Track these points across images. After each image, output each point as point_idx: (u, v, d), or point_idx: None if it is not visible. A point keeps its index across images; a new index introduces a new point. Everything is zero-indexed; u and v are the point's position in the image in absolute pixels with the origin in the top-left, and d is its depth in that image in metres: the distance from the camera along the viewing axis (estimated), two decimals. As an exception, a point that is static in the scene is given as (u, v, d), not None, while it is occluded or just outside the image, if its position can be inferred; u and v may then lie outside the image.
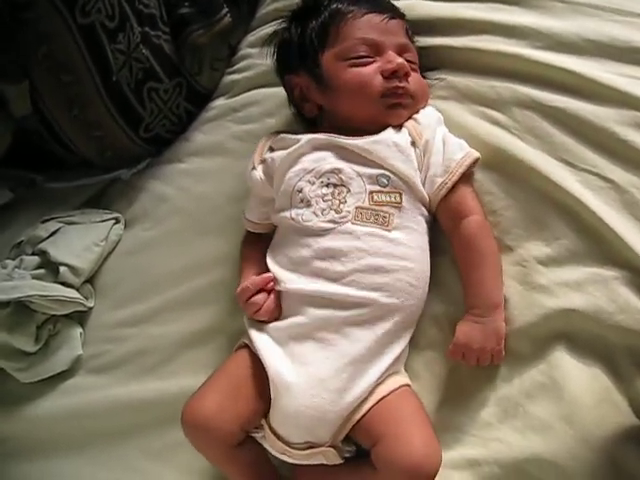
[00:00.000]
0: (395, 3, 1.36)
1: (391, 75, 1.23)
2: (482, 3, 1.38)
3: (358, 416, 1.12)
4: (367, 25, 1.27)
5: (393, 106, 1.25)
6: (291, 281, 1.20)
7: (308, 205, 1.21)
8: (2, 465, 1.49)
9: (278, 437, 1.15)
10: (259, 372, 1.16)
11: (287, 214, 1.23)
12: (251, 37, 1.71)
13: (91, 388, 1.46)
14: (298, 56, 1.32)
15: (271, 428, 1.15)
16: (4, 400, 1.51)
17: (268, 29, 1.61)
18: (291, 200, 1.23)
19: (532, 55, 1.28)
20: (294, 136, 1.29)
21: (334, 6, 1.29)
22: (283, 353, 1.16)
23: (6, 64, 1.51)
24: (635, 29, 1.26)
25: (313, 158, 1.24)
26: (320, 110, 1.33)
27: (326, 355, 1.13)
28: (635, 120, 1.18)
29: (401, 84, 1.24)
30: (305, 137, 1.26)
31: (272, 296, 1.23)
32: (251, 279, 1.25)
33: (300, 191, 1.22)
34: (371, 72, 1.24)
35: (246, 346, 1.23)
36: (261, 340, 1.19)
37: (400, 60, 1.24)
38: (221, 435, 1.14)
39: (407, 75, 1.25)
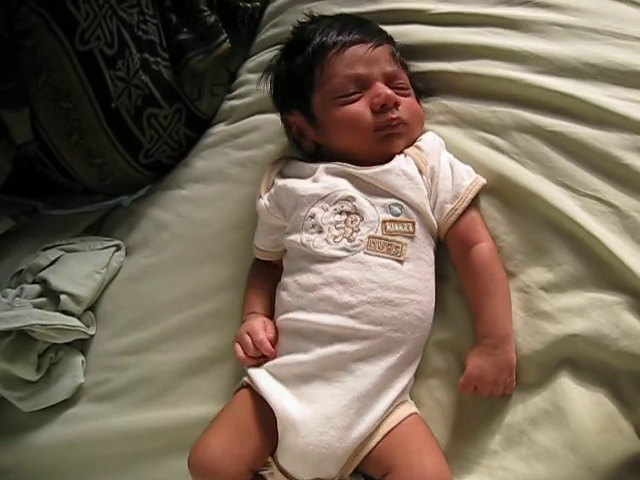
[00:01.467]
0: (393, 28, 1.37)
1: (381, 109, 1.23)
2: (481, 28, 1.37)
3: (367, 450, 1.12)
4: (352, 59, 1.26)
5: (388, 137, 1.25)
6: (296, 313, 1.19)
7: (320, 231, 1.20)
8: (5, 495, 1.48)
9: (286, 475, 1.14)
10: (263, 411, 1.15)
11: (297, 238, 1.23)
12: (250, 63, 1.71)
13: (93, 417, 1.45)
14: (289, 95, 1.33)
15: (278, 466, 1.14)
16: (6, 429, 1.50)
17: (267, 55, 1.61)
18: (302, 224, 1.23)
19: (532, 80, 1.28)
20: (308, 164, 1.30)
21: (318, 40, 1.28)
22: (288, 391, 1.15)
23: (8, 91, 1.52)
24: (635, 52, 1.26)
25: (327, 185, 1.24)
26: (318, 146, 1.33)
27: (332, 392, 1.12)
28: (636, 144, 1.18)
29: (393, 115, 1.24)
30: (320, 166, 1.27)
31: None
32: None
33: (313, 217, 1.22)
34: (360, 108, 1.24)
35: (248, 386, 1.22)
36: (263, 379, 1.18)
37: (388, 92, 1.23)
38: (229, 477, 1.13)
39: (397, 104, 1.25)
